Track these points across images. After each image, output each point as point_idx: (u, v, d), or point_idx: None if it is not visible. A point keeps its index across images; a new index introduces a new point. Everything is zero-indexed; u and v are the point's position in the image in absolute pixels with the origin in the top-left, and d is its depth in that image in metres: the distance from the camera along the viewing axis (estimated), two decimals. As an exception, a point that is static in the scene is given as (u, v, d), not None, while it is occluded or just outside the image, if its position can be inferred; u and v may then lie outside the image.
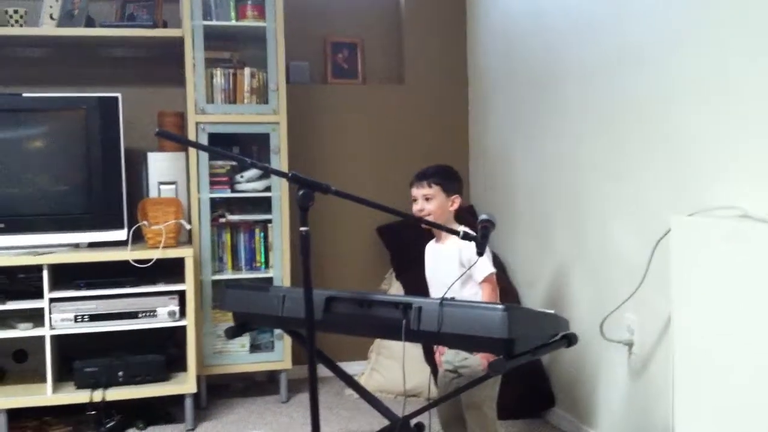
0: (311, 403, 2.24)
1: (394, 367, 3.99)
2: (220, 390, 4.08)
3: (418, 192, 2.90)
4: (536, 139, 3.75)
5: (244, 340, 3.94)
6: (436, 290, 2.86)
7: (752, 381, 2.12)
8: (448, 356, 2.89)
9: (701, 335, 2.33)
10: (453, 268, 2.78)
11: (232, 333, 2.80)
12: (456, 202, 2.92)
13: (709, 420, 2.30)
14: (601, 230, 3.16)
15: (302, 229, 2.19)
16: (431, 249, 2.97)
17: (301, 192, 2.20)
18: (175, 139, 2.38)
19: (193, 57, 3.78)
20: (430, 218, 2.82)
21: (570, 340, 2.49)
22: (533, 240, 3.76)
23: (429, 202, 2.87)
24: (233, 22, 3.90)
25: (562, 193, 3.50)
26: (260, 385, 4.24)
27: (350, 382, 2.80)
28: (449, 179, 2.93)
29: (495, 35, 4.26)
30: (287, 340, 3.92)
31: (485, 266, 2.77)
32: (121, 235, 3.68)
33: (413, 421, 2.65)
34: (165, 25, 3.94)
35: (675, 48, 2.66)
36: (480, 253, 2.48)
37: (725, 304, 2.22)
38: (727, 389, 2.22)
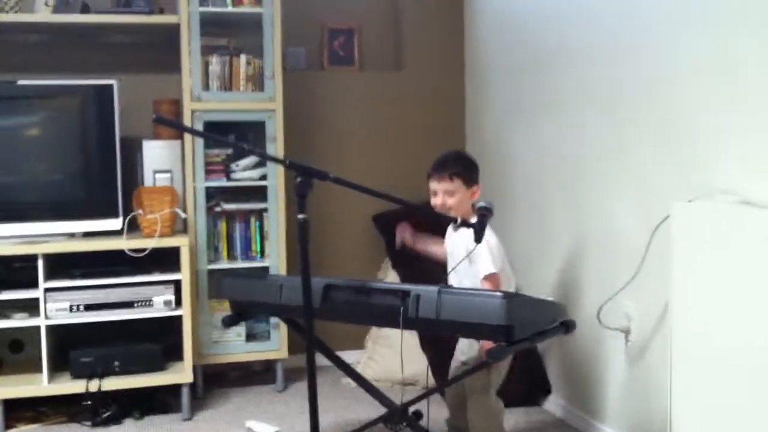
0: (309, 392, 2.24)
1: (390, 356, 3.98)
2: (216, 379, 4.06)
3: (439, 186, 2.82)
4: (535, 123, 3.73)
5: (240, 330, 3.92)
6: (453, 272, 2.81)
7: (749, 367, 2.12)
8: (462, 346, 2.87)
9: (699, 322, 2.33)
10: (468, 252, 2.75)
11: (230, 321, 2.80)
12: (477, 192, 2.86)
13: (706, 406, 2.30)
14: (601, 216, 3.15)
15: (300, 216, 2.18)
16: (449, 236, 2.90)
17: (298, 179, 2.19)
18: (172, 124, 2.37)
19: (189, 44, 3.75)
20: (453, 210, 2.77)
21: (568, 326, 2.49)
22: (531, 226, 3.74)
23: (451, 196, 2.80)
24: (230, 8, 3.85)
25: (561, 178, 3.49)
26: (256, 374, 4.22)
27: (348, 370, 2.81)
28: (470, 169, 2.88)
29: (493, 20, 4.23)
30: (283, 329, 3.90)
31: (486, 265, 2.72)
32: (116, 224, 3.65)
33: (411, 409, 2.65)
34: (161, 12, 3.90)
35: (678, 31, 2.64)
36: (478, 240, 2.46)
37: (724, 291, 2.22)
38: (724, 375, 2.22)
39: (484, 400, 2.80)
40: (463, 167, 2.86)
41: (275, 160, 2.24)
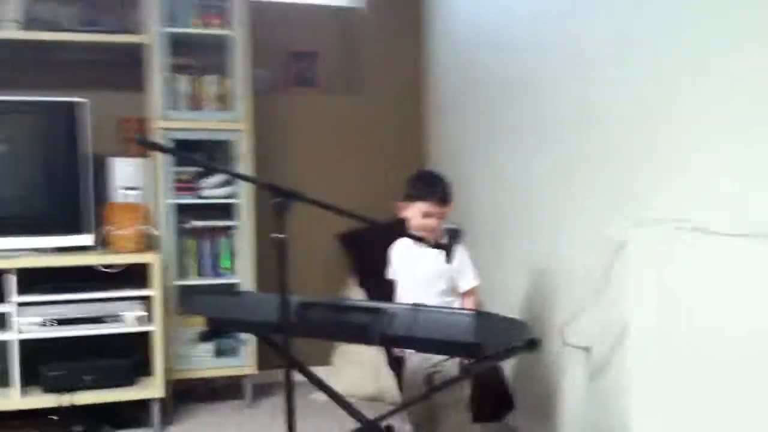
0: (287, 406, 2.30)
1: (357, 373, 4.06)
2: (184, 395, 4.10)
3: (436, 210, 2.89)
4: (490, 151, 3.86)
5: (209, 346, 3.97)
6: (414, 290, 2.90)
7: (703, 381, 2.24)
8: (418, 359, 2.96)
9: (655, 339, 2.45)
10: (440, 272, 2.86)
11: (206, 337, 2.85)
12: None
13: (663, 420, 2.43)
14: (559, 240, 3.27)
15: (278, 236, 2.27)
16: (411, 249, 2.94)
17: (277, 200, 2.27)
18: (155, 146, 2.42)
19: (157, 63, 3.81)
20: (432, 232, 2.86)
21: (533, 344, 2.59)
22: (489, 249, 3.83)
23: (441, 219, 2.89)
24: (198, 30, 3.94)
25: (518, 205, 3.61)
26: (225, 389, 4.26)
27: (321, 385, 2.87)
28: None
29: (450, 48, 4.37)
30: (252, 345, 3.97)
31: (471, 278, 2.88)
32: (86, 239, 3.70)
33: (383, 424, 2.73)
34: (128, 31, 3.94)
35: (622, 71, 2.78)
36: (448, 261, 2.57)
37: (677, 311, 2.34)
38: (680, 389, 2.34)
39: (459, 414, 2.91)
40: (451, 192, 2.97)
41: (258, 182, 2.31)
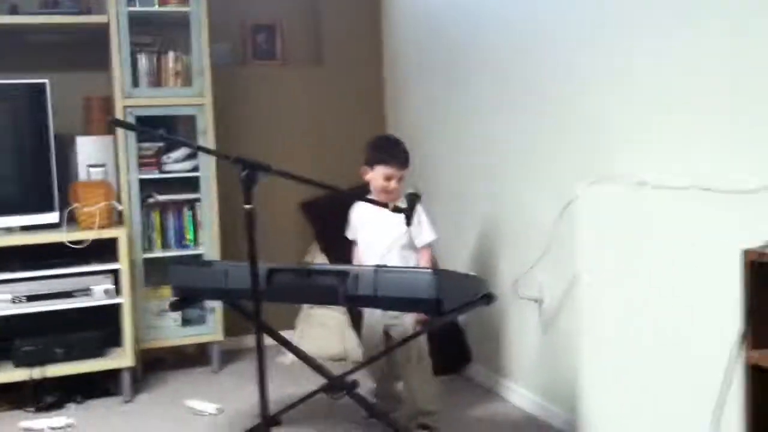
0: (259, 368, 2.42)
1: (321, 335, 4.22)
2: (153, 365, 4.22)
3: (397, 173, 3.08)
4: (451, 116, 4.02)
5: (176, 316, 4.09)
6: (376, 251, 3.08)
7: (648, 331, 2.43)
8: (376, 316, 3.13)
9: (603, 291, 2.64)
10: (399, 233, 3.04)
11: (176, 306, 2.98)
12: None
13: (611, 366, 2.62)
14: (514, 201, 3.45)
15: (246, 206, 2.40)
16: (372, 211, 3.05)
17: (245, 172, 2.40)
18: (129, 127, 2.51)
19: (119, 42, 3.89)
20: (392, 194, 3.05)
21: (490, 298, 2.77)
22: (451, 211, 4.01)
23: (401, 181, 3.09)
24: (157, 8, 4.01)
25: (477, 166, 3.78)
26: (192, 357, 4.40)
27: (289, 346, 3.03)
28: None
29: (410, 17, 4.50)
30: (218, 313, 4.10)
31: (428, 233, 3.08)
32: (53, 217, 3.78)
33: (348, 379, 2.90)
34: (89, 12, 4.01)
35: (581, 38, 2.94)
36: (408, 224, 2.74)
37: (624, 262, 2.53)
38: (627, 339, 2.53)
39: (423, 366, 3.09)
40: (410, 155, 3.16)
41: (223, 156, 2.42)
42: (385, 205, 2.78)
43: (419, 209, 2.97)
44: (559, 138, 3.11)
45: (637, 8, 2.66)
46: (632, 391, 2.48)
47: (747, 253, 1.64)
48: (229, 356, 4.31)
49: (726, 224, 2.06)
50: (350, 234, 3.25)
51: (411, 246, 3.11)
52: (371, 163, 3.12)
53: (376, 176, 3.08)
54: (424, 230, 3.10)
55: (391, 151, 3.12)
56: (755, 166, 2.14)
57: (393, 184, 3.07)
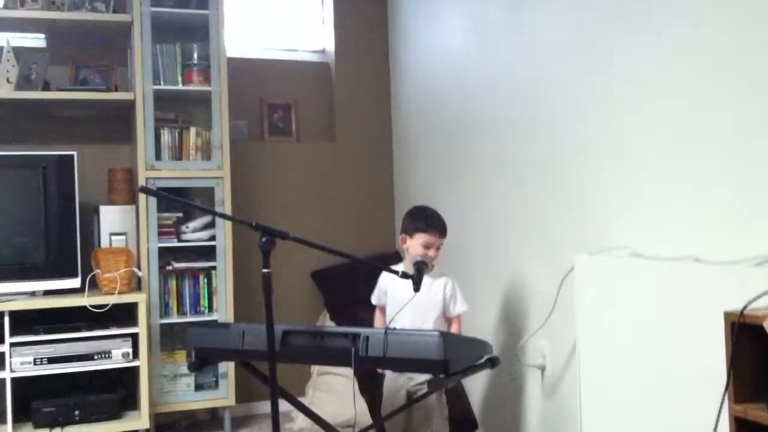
0: (273, 427, 2.53)
1: (330, 401, 4.32)
2: (165, 429, 4.32)
3: (437, 241, 3.21)
4: (457, 189, 4.21)
5: (190, 380, 4.23)
6: (403, 315, 3.17)
7: (644, 394, 2.56)
8: (400, 381, 3.26)
9: (602, 358, 2.78)
10: (437, 302, 3.22)
11: (195, 367, 3.11)
12: None
13: (612, 430, 2.74)
14: (517, 270, 3.61)
15: (264, 270, 2.55)
16: (394, 283, 3.22)
17: (263, 239, 2.57)
18: (158, 195, 2.70)
19: (143, 117, 4.11)
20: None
21: (493, 362, 2.90)
22: (457, 277, 4.15)
23: (439, 250, 3.23)
24: (181, 87, 4.26)
25: (481, 236, 3.95)
26: (203, 422, 4.50)
27: (303, 409, 3.14)
28: None
29: (416, 95, 4.74)
30: (231, 378, 4.22)
31: (462, 303, 3.26)
32: (75, 282, 3.95)
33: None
34: (117, 89, 4.26)
35: (581, 117, 3.13)
36: (416, 290, 2.90)
37: (619, 329, 2.68)
38: (625, 402, 2.66)
39: (443, 420, 3.21)
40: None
41: (244, 222, 2.58)
42: (395, 272, 2.94)
43: (454, 282, 3.22)
44: (558, 208, 3.28)
45: (627, 84, 2.85)
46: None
47: (728, 315, 1.79)
48: (240, 422, 4.41)
49: (712, 291, 2.21)
50: (375, 299, 3.40)
51: (443, 317, 3.26)
52: (410, 231, 3.25)
53: (415, 244, 3.22)
54: (458, 301, 3.26)
55: (430, 220, 3.26)
56: (738, 240, 2.31)
57: (432, 252, 3.22)
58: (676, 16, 2.59)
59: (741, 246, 2.27)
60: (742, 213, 2.32)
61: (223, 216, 2.84)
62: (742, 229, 2.32)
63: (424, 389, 3.14)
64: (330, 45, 5.10)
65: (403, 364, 2.74)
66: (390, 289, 3.32)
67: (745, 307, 1.76)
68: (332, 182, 4.96)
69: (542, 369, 3.36)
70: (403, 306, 3.07)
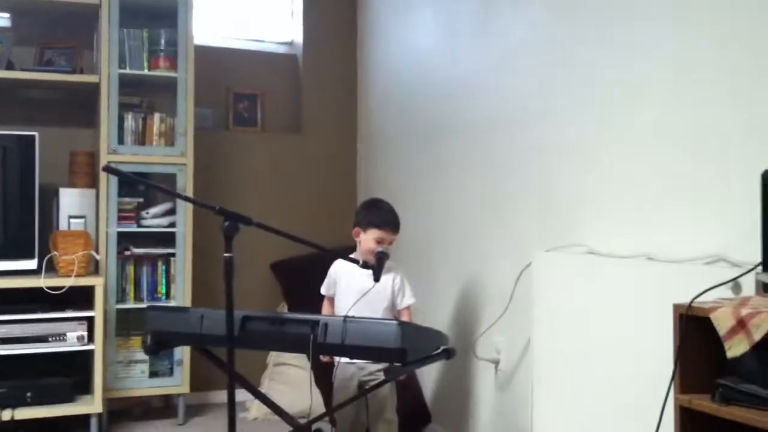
0: (229, 416, 2.52)
1: (285, 392, 4.34)
2: (119, 415, 4.30)
3: (390, 237, 3.25)
4: (419, 186, 4.25)
5: (144, 367, 4.22)
6: (352, 305, 3.18)
7: (597, 391, 2.62)
8: (350, 371, 3.28)
9: (556, 353, 2.84)
10: (386, 294, 3.25)
11: (151, 350, 3.10)
12: None
13: (563, 424, 2.80)
14: (478, 265, 3.66)
15: (226, 254, 2.56)
16: (359, 271, 3.11)
17: (226, 223, 2.58)
18: (121, 175, 2.66)
19: (108, 101, 4.09)
20: None
21: (449, 353, 2.93)
22: (419, 271, 4.18)
23: (391, 245, 3.26)
24: (147, 72, 4.25)
25: (443, 232, 3.99)
26: (157, 409, 4.49)
27: (259, 395, 3.16)
28: None
29: (384, 90, 4.78)
30: (186, 365, 4.21)
31: (410, 297, 3.29)
32: (32, 264, 3.91)
33: (314, 427, 3.03)
34: (82, 71, 4.23)
35: (544, 116, 3.18)
36: (376, 280, 2.93)
37: (575, 326, 2.74)
38: (577, 399, 2.72)
39: (392, 427, 3.24)
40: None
41: (207, 206, 2.59)
42: (356, 262, 2.96)
43: (402, 276, 3.26)
44: (519, 206, 3.33)
45: (588, 86, 2.91)
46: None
47: (677, 306, 1.85)
48: (194, 410, 4.41)
49: (663, 288, 2.27)
50: (324, 289, 3.42)
51: (393, 308, 3.29)
52: (364, 225, 3.27)
53: (368, 239, 3.25)
54: (406, 294, 3.30)
55: (385, 216, 3.29)
56: (689, 240, 2.38)
57: (380, 248, 3.22)
58: (636, 17, 2.65)
59: (692, 246, 2.35)
60: (694, 214, 2.39)
61: (187, 199, 2.84)
62: (693, 229, 2.39)
63: (376, 379, 3.17)
64: (298, 37, 5.12)
65: (361, 352, 2.76)
66: (342, 280, 3.34)
67: (693, 300, 1.81)
68: (296, 174, 4.98)
69: (496, 363, 3.41)
70: (363, 295, 3.10)
